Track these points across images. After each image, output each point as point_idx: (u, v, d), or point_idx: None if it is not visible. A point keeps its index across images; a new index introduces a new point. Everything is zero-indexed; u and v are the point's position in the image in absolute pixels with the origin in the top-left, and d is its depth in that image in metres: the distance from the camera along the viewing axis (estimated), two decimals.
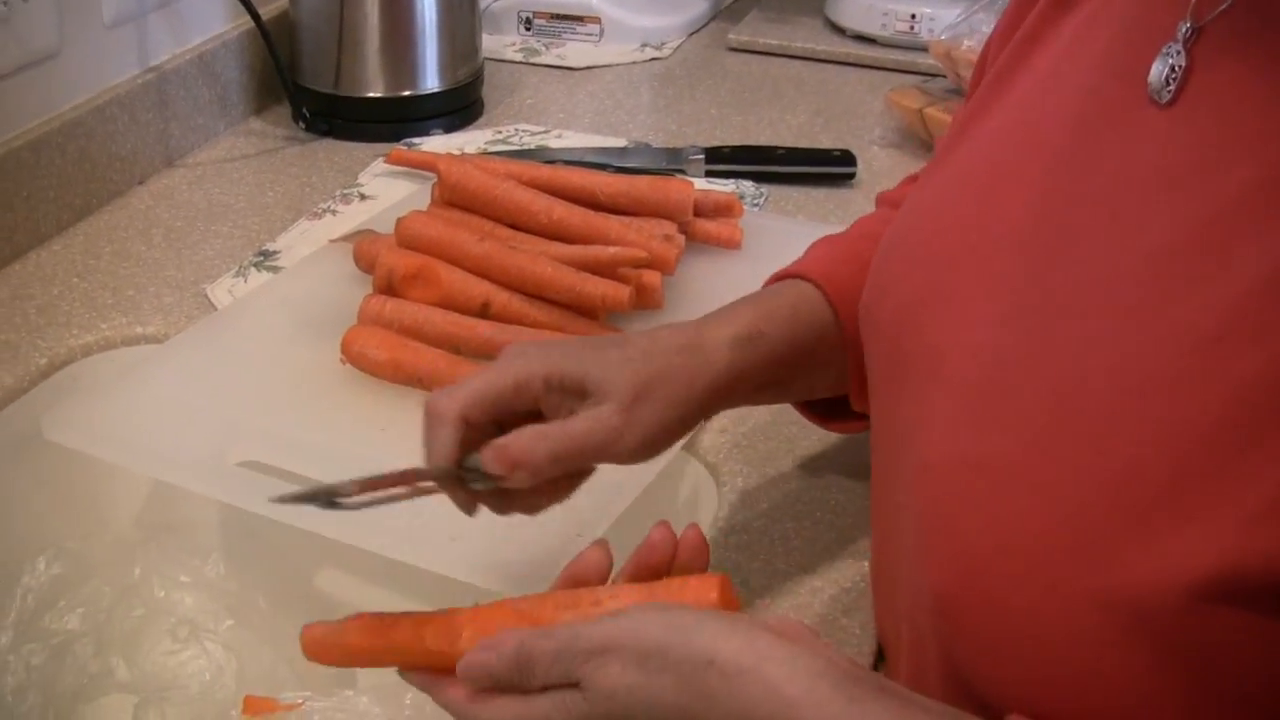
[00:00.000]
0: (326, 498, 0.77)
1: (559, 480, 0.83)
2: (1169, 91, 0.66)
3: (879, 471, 0.85)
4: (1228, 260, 0.61)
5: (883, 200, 1.08)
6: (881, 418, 0.83)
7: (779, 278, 0.99)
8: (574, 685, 0.69)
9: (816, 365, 0.96)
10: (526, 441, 0.79)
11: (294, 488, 0.94)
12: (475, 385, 0.80)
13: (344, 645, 0.79)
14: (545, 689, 0.70)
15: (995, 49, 0.86)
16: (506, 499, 0.83)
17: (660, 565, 0.74)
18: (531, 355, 0.82)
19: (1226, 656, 0.58)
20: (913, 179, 1.08)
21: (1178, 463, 0.59)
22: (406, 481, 0.79)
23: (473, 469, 0.80)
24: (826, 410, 1.03)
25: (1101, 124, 0.70)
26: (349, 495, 0.77)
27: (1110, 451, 0.61)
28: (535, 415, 0.83)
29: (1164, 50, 0.67)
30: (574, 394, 0.82)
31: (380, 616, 0.78)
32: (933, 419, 0.72)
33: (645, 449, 0.84)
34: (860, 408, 0.98)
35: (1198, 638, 0.58)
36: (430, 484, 0.80)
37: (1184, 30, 0.67)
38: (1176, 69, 0.66)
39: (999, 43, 0.85)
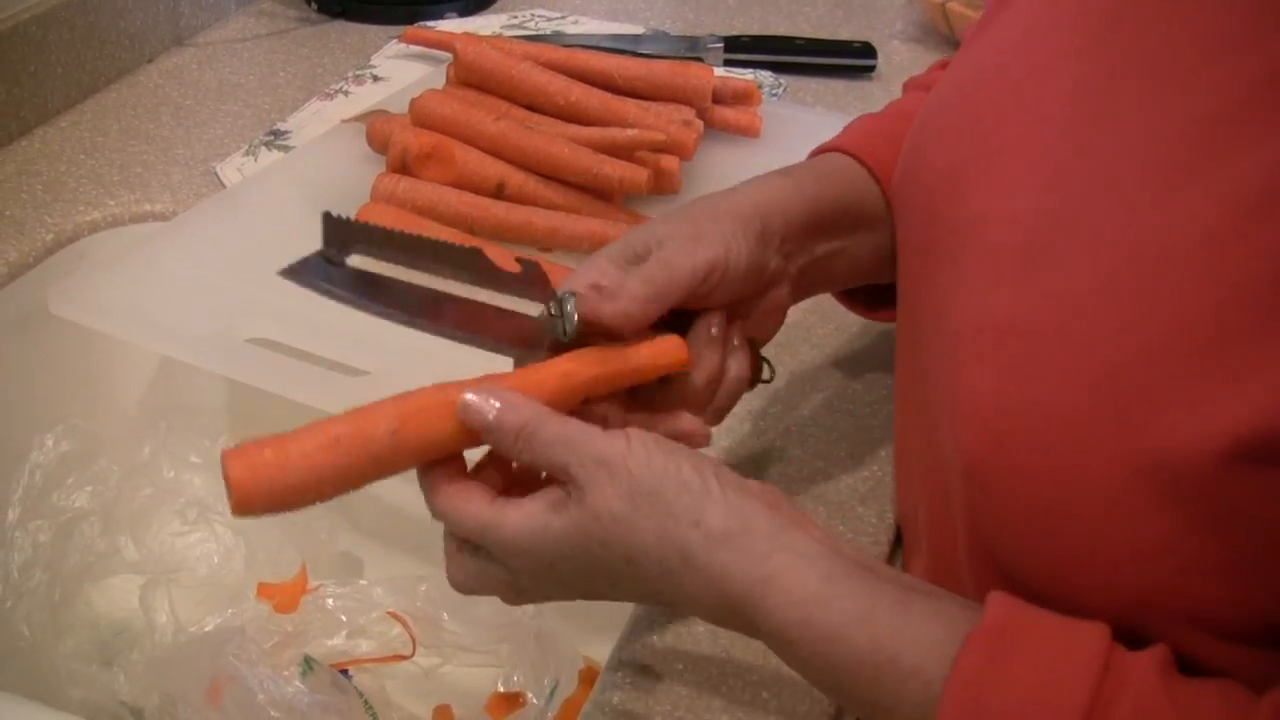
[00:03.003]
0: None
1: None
2: None
3: (907, 344, 0.83)
4: (1275, 126, 0.59)
5: (912, 85, 1.06)
6: (912, 290, 0.82)
7: (817, 153, 0.96)
8: (563, 482, 0.68)
9: (864, 228, 0.92)
10: (617, 277, 0.76)
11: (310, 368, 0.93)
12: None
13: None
14: (529, 469, 0.70)
15: None
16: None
17: None
18: (712, 238, 0.79)
19: (1261, 519, 0.57)
20: (943, 65, 1.06)
21: (1220, 324, 0.58)
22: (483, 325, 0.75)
23: (558, 314, 0.73)
24: (867, 299, 1.01)
25: None
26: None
27: (1151, 313, 0.60)
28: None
29: None
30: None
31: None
32: (969, 286, 0.70)
33: (756, 274, 0.82)
34: None
35: (1232, 500, 0.57)
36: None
37: None
38: None
39: None
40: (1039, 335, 0.64)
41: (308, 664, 1.04)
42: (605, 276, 0.75)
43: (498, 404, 0.69)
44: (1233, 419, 0.56)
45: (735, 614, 0.66)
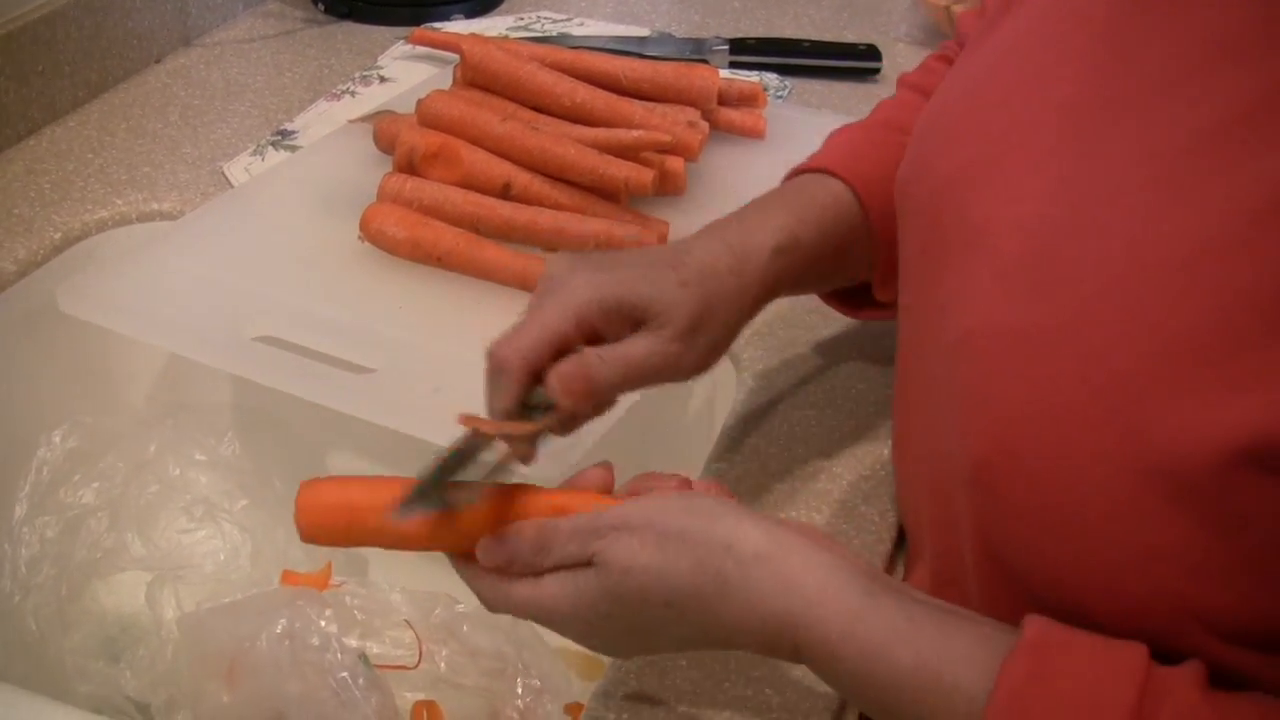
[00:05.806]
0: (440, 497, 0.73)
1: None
2: None
3: (909, 348, 0.84)
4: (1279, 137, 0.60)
5: (904, 83, 1.07)
6: (915, 294, 0.82)
7: (801, 171, 0.97)
8: (587, 564, 0.69)
9: (846, 262, 0.95)
10: (592, 369, 0.75)
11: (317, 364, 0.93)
12: (536, 331, 0.75)
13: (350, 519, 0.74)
14: (558, 569, 0.70)
15: None
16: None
17: None
18: (584, 283, 0.77)
19: (1265, 524, 0.58)
20: (938, 58, 1.07)
21: (1227, 331, 0.58)
22: (475, 438, 0.74)
23: (534, 404, 0.75)
24: (849, 298, 1.02)
25: None
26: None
27: (1158, 320, 0.60)
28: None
29: None
30: (630, 320, 0.79)
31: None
32: (974, 291, 0.71)
33: (699, 370, 0.83)
34: (883, 297, 0.98)
35: (1237, 505, 0.58)
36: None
37: None
38: None
39: None
40: (1047, 341, 0.64)
41: (365, 661, 1.05)
42: (583, 372, 0.75)
43: (505, 541, 0.70)
44: (1237, 425, 0.57)
45: (778, 636, 0.66)
